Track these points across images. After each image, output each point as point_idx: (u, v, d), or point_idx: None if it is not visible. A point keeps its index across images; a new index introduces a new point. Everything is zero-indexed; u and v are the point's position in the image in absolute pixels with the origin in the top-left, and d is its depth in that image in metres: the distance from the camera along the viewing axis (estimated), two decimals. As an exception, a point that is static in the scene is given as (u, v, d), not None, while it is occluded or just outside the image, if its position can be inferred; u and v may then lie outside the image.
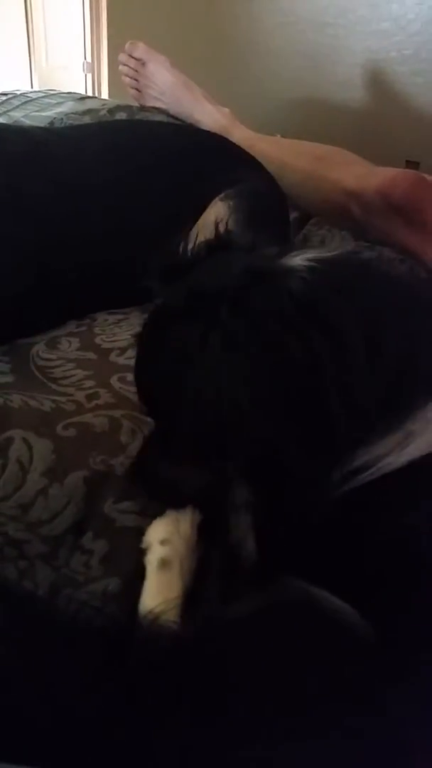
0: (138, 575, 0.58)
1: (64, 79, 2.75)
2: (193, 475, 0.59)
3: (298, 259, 0.51)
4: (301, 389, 0.46)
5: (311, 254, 0.52)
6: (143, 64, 1.47)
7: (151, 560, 0.57)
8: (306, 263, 0.50)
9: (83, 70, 2.76)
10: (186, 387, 0.49)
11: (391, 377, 0.47)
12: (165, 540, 0.57)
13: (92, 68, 2.73)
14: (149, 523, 0.61)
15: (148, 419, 0.68)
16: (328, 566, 0.48)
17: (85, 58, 2.74)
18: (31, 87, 2.95)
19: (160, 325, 0.56)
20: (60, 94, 1.54)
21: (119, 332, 0.89)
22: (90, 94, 2.46)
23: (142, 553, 0.59)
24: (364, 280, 0.52)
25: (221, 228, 0.61)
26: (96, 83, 2.74)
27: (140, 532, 0.61)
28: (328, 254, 0.52)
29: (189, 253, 0.59)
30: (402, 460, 0.46)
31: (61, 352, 0.84)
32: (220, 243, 0.59)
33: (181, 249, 0.60)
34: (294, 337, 0.46)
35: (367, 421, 0.47)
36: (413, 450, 0.46)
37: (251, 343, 0.47)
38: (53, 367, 0.80)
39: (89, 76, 2.75)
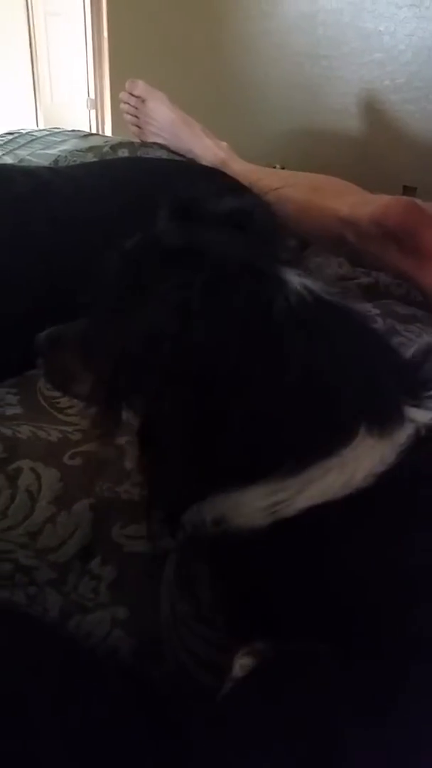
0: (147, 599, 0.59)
1: (68, 116, 2.82)
2: (85, 381, 0.59)
3: (295, 279, 0.52)
4: (220, 388, 0.47)
5: (307, 281, 0.52)
6: (143, 101, 1.52)
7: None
8: (298, 286, 0.51)
9: (87, 107, 2.83)
10: (136, 308, 0.50)
11: (310, 425, 0.48)
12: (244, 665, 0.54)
13: (95, 105, 2.80)
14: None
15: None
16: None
17: (89, 95, 2.81)
18: (36, 124, 3.03)
19: (148, 247, 0.55)
20: (64, 132, 1.59)
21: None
22: (94, 129, 2.53)
23: (150, 579, 0.61)
24: (335, 328, 0.52)
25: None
26: (99, 119, 2.81)
27: (148, 557, 0.63)
28: (319, 289, 0.52)
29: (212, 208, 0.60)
30: (297, 507, 0.48)
31: (67, 383, 0.87)
32: (244, 216, 0.59)
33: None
34: (239, 340, 0.47)
35: (273, 452, 0.48)
36: (306, 498, 0.48)
37: (207, 312, 0.47)
38: (59, 397, 0.83)
39: (93, 112, 2.82)
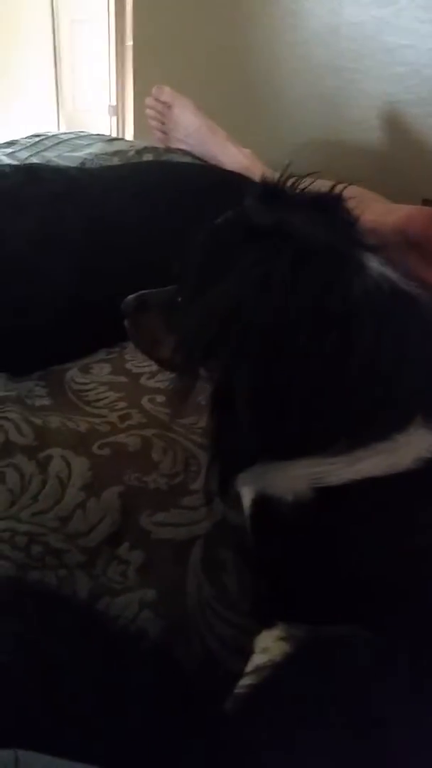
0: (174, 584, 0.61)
1: (89, 122, 2.85)
2: (168, 346, 0.62)
3: (375, 265, 0.53)
4: (290, 364, 0.49)
5: (386, 269, 0.54)
6: (169, 107, 1.54)
7: (250, 664, 0.55)
8: (377, 273, 0.52)
9: (108, 113, 2.86)
10: (220, 280, 0.52)
11: (368, 409, 0.50)
12: (266, 648, 0.56)
13: (117, 111, 2.84)
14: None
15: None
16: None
17: (110, 102, 2.85)
18: (58, 129, 3.05)
19: (237, 224, 0.58)
20: (90, 135, 1.61)
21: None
22: (115, 136, 2.55)
23: (177, 564, 0.62)
24: (406, 318, 0.53)
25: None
26: (120, 126, 2.84)
27: (175, 544, 0.64)
28: (396, 279, 0.54)
29: (295, 189, 0.62)
30: (340, 479, 0.50)
31: (93, 376, 0.88)
32: (330, 200, 0.61)
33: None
34: (314, 318, 0.49)
35: (329, 430, 0.50)
36: (351, 472, 0.50)
37: (286, 288, 0.49)
38: (87, 391, 0.84)
39: (114, 118, 2.86)
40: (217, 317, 0.51)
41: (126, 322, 0.69)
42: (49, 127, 2.50)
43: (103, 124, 2.89)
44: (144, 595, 0.60)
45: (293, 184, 0.63)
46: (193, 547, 0.64)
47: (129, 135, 2.70)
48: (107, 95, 2.87)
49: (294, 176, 0.64)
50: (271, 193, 0.61)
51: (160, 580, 0.61)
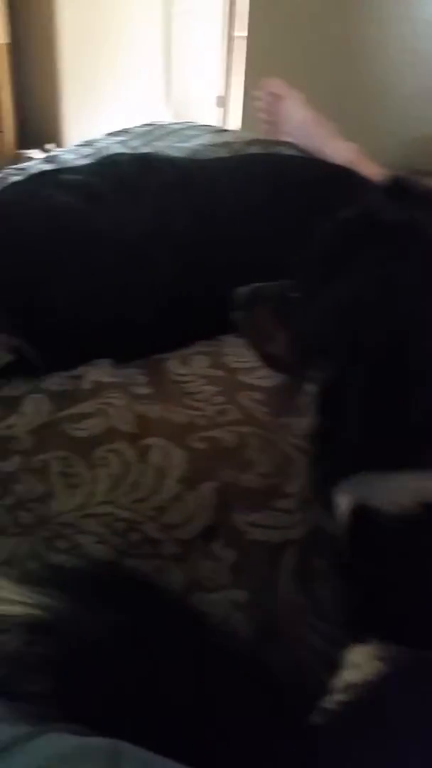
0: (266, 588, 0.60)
1: (196, 113, 2.88)
2: (279, 342, 0.61)
3: None
4: (407, 370, 0.48)
5: None
6: (278, 99, 1.53)
7: (341, 679, 0.53)
8: None
9: (216, 105, 2.88)
10: (343, 277, 0.52)
11: None
12: (357, 664, 0.53)
13: (224, 102, 2.85)
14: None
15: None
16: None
17: (218, 93, 2.87)
18: (167, 119, 3.10)
19: (363, 220, 0.56)
20: (198, 126, 1.62)
21: (247, 354, 0.93)
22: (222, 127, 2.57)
23: (270, 567, 0.62)
24: None
25: None
26: (226, 117, 2.86)
27: (268, 546, 0.63)
28: None
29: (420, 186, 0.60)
30: None
31: (192, 368, 0.88)
32: None
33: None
34: (421, 333, 0.47)
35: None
36: None
37: (409, 289, 0.48)
38: (186, 382, 0.85)
39: (221, 110, 2.88)
40: (338, 315, 0.50)
41: (237, 315, 0.68)
42: (157, 117, 2.53)
43: (210, 115, 2.91)
44: (235, 596, 0.60)
45: (417, 181, 0.61)
46: (285, 552, 0.63)
47: (234, 126, 2.70)
48: (215, 86, 2.89)
49: (418, 172, 0.62)
50: (398, 188, 0.59)
51: (252, 582, 0.61)
